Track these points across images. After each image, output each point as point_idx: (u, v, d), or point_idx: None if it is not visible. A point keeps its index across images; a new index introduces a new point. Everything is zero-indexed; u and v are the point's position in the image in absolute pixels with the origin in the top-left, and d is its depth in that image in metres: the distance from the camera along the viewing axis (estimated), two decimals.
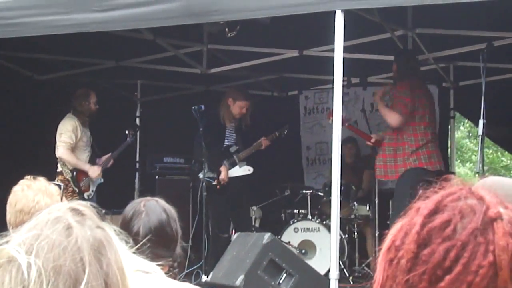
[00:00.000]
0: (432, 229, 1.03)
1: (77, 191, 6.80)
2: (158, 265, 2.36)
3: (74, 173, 6.80)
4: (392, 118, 6.19)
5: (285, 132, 7.61)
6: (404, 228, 1.08)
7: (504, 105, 6.57)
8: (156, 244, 2.34)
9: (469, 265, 0.99)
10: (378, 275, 1.08)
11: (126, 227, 2.37)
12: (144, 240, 2.00)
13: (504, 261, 0.99)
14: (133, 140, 7.68)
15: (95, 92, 7.04)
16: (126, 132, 7.53)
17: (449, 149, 8.87)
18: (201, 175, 6.74)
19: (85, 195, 6.86)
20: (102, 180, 7.06)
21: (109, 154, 7.23)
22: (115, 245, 1.17)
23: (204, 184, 6.60)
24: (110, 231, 1.19)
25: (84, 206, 1.20)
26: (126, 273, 1.16)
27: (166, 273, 2.37)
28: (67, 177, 6.75)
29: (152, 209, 2.45)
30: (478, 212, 1.03)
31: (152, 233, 2.37)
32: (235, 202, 7.12)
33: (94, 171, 6.91)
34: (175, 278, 2.24)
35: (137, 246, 1.42)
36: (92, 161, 7.03)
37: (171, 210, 2.49)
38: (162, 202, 2.50)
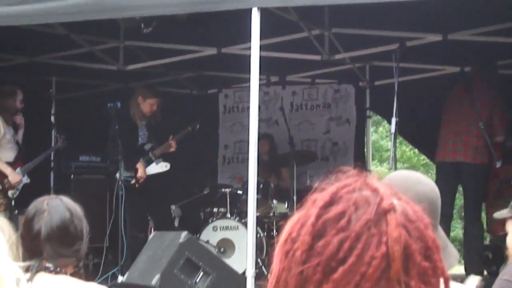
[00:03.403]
0: (327, 221, 1.03)
1: (1, 188, 6.62)
2: (62, 264, 2.30)
3: None
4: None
5: (197, 127, 7.57)
6: (300, 220, 1.07)
7: (415, 105, 6.76)
8: (58, 243, 2.28)
9: (363, 256, 1.00)
10: (275, 267, 1.07)
11: (28, 226, 2.30)
12: (45, 241, 1.94)
13: (396, 252, 1.00)
14: (63, 145, 7.60)
15: (22, 90, 6.91)
16: (57, 135, 7.45)
17: (365, 148, 9.04)
18: (117, 175, 6.63)
19: (9, 193, 6.69)
20: (28, 180, 6.88)
21: (35, 159, 7.14)
22: None
23: (120, 183, 6.50)
24: None
25: None
26: None
27: (71, 273, 2.31)
28: None
29: (55, 207, 2.38)
30: (372, 203, 1.04)
31: (54, 233, 2.30)
32: (154, 200, 7.08)
33: (15, 177, 6.72)
34: (80, 278, 2.18)
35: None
36: (21, 159, 6.91)
37: (76, 209, 2.42)
38: (66, 200, 2.43)
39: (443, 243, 1.95)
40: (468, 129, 6.51)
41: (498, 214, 2.97)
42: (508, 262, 2.90)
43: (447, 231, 6.44)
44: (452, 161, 6.51)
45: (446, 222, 6.30)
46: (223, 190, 7.66)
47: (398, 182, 1.92)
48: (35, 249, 2.25)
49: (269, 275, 1.11)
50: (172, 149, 7.32)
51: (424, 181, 2.05)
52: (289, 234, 1.08)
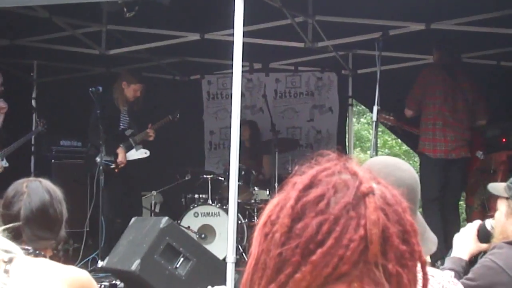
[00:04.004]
0: (306, 203, 1.04)
1: None
2: (41, 247, 2.29)
3: None
4: (406, 112, 6.60)
5: (177, 116, 7.56)
6: (280, 203, 1.08)
7: (398, 93, 6.77)
8: (38, 226, 2.27)
9: (341, 238, 1.00)
10: (253, 249, 1.08)
11: (7, 208, 2.28)
12: (25, 223, 1.93)
13: (374, 235, 1.01)
14: (43, 130, 7.57)
15: (1, 73, 6.85)
16: (37, 120, 7.51)
17: (346, 135, 9.08)
18: (98, 159, 6.61)
19: None
20: (7, 164, 6.84)
21: (15, 142, 7.13)
22: None
23: (101, 167, 6.48)
24: None
25: None
26: None
27: (50, 256, 2.30)
28: None
29: (34, 190, 2.36)
30: (351, 187, 1.05)
31: (33, 215, 2.29)
32: (129, 186, 7.10)
33: None
34: (59, 261, 2.17)
35: (10, 226, 1.36)
36: (0, 143, 6.91)
37: (56, 191, 2.41)
38: (46, 182, 2.41)
39: (421, 229, 1.97)
40: (462, 124, 6.51)
41: (492, 188, 2.99)
42: (492, 241, 2.92)
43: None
44: (446, 158, 6.48)
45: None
46: (204, 176, 7.66)
47: (378, 168, 1.93)
48: (14, 231, 2.24)
49: (248, 256, 1.11)
50: (151, 138, 7.30)
51: (403, 167, 2.06)
52: (269, 217, 1.08)
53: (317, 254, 1.00)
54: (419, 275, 1.07)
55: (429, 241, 2.02)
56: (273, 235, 1.05)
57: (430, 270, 1.13)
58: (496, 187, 2.96)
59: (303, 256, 1.01)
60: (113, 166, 6.85)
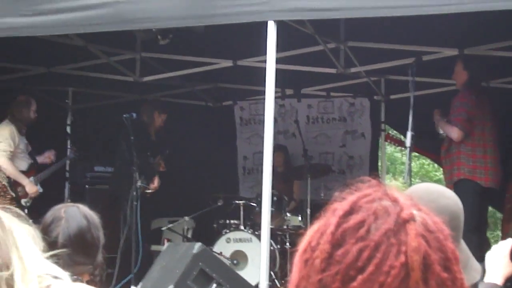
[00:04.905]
0: (347, 230, 1.04)
1: (15, 196, 6.68)
2: (79, 272, 2.32)
3: (11, 178, 6.68)
4: (454, 133, 6.15)
5: (166, 152, 7.74)
6: (320, 229, 1.08)
7: (429, 119, 6.69)
8: (75, 251, 2.29)
9: (382, 265, 1.00)
10: (293, 276, 1.08)
11: (45, 233, 2.31)
12: (62, 250, 1.95)
13: (416, 262, 1.00)
14: (75, 156, 7.71)
15: (35, 99, 6.99)
16: (69, 147, 7.71)
17: (379, 162, 9.02)
18: (139, 183, 6.72)
19: (23, 201, 6.75)
20: (41, 190, 6.95)
21: (48, 168, 7.25)
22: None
23: (135, 193, 6.56)
24: (19, 233, 1.17)
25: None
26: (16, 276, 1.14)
27: (87, 281, 2.32)
28: (3, 182, 6.64)
29: (72, 215, 2.39)
30: (392, 213, 1.04)
31: (71, 240, 2.32)
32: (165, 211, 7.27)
33: (32, 188, 6.82)
34: (96, 286, 2.19)
35: (52, 252, 1.38)
36: (34, 169, 7.01)
37: (93, 217, 2.43)
38: (83, 208, 2.44)
39: (464, 257, 1.94)
40: (498, 149, 6.30)
41: None
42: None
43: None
44: (495, 187, 6.26)
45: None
46: (236, 202, 7.67)
47: (421, 195, 1.91)
48: (52, 256, 2.26)
49: (288, 281, 1.12)
50: (162, 169, 7.48)
51: (447, 195, 2.04)
52: (309, 243, 1.08)
53: (357, 281, 1.00)
54: None
55: (472, 270, 1.99)
56: (313, 261, 1.05)
57: None
58: None
59: (343, 283, 1.01)
60: (151, 190, 6.99)
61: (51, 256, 1.89)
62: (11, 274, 1.16)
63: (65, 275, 1.28)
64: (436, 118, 6.32)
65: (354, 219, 1.04)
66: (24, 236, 1.22)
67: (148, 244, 7.31)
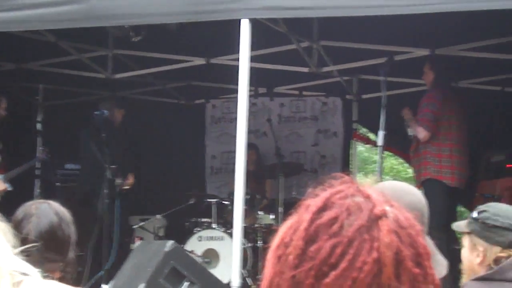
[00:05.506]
0: (320, 226, 1.04)
1: None
2: (49, 269, 2.29)
3: None
4: (420, 133, 6.22)
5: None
6: (293, 225, 1.09)
7: (400, 118, 6.74)
8: (46, 248, 2.27)
9: (354, 261, 1.01)
10: (267, 272, 1.08)
11: (16, 230, 2.28)
12: (33, 244, 1.93)
13: (388, 258, 1.01)
14: (47, 158, 7.65)
15: (5, 97, 6.91)
16: (41, 148, 7.72)
17: (350, 161, 9.07)
18: (119, 180, 6.80)
19: None
20: (11, 188, 6.87)
21: (18, 167, 7.19)
22: None
23: (116, 190, 6.58)
24: None
25: None
26: None
27: (58, 278, 2.30)
28: None
29: (43, 212, 2.38)
30: (365, 209, 1.05)
31: (42, 237, 2.30)
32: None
33: (0, 185, 6.73)
34: (68, 283, 2.17)
35: (23, 248, 1.37)
36: (3, 166, 6.94)
37: (65, 214, 2.42)
38: (55, 205, 2.43)
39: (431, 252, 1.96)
40: (465, 148, 6.37)
41: (456, 226, 3.00)
42: (462, 278, 2.90)
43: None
44: (460, 187, 6.31)
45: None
46: (208, 200, 7.66)
47: (387, 192, 1.92)
48: (23, 253, 2.24)
49: (261, 279, 1.12)
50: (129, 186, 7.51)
51: (412, 191, 2.07)
52: (282, 239, 1.09)
53: (330, 277, 1.00)
54: None
55: (439, 264, 2.02)
56: (286, 258, 1.05)
57: None
58: (459, 224, 2.95)
59: (316, 279, 1.01)
60: (127, 187, 7.00)
61: (22, 253, 1.87)
62: None
63: (35, 272, 1.27)
64: (406, 117, 6.39)
65: (327, 215, 1.05)
66: None
67: (128, 240, 7.29)
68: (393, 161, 16.88)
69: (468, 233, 2.82)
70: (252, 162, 8.20)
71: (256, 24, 4.81)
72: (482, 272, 2.71)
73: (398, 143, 6.73)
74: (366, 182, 1.17)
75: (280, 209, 7.38)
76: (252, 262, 7.24)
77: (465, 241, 2.86)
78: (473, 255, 2.79)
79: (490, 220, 2.74)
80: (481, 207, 2.84)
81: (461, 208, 7.51)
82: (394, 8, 4.53)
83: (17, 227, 2.32)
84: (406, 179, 15.97)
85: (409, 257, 1.03)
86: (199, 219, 7.60)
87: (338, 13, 4.74)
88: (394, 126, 6.11)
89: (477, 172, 6.65)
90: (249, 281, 6.98)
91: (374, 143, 6.54)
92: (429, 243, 2.00)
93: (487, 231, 2.74)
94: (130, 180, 7.36)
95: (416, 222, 1.09)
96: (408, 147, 6.58)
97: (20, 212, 2.40)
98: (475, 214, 2.81)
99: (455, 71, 6.79)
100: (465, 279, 2.84)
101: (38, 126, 8.43)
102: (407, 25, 5.64)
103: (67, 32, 5.89)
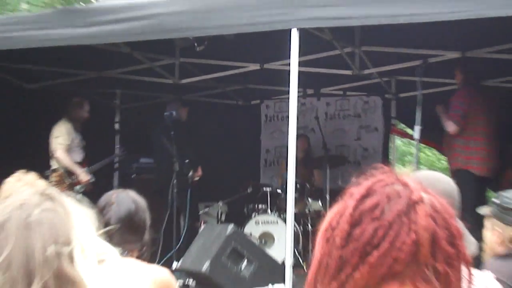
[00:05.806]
0: (363, 211, 1.05)
1: (70, 183, 6.85)
2: (128, 249, 2.35)
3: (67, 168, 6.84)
4: (450, 127, 6.16)
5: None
6: (339, 211, 1.09)
7: (435, 114, 6.62)
8: (125, 231, 2.32)
9: (395, 242, 1.01)
10: (316, 252, 1.09)
11: (99, 215, 2.34)
12: (114, 226, 1.99)
13: (425, 238, 1.01)
14: (123, 154, 7.80)
15: (88, 101, 7.08)
16: (118, 146, 7.92)
17: (390, 154, 8.96)
18: (190, 173, 6.96)
19: (76, 188, 6.89)
20: (93, 179, 7.05)
21: (100, 162, 7.37)
22: (50, 227, 1.17)
23: (176, 181, 6.65)
24: (78, 215, 1.19)
25: (55, 192, 1.20)
26: (64, 251, 1.16)
27: (136, 257, 2.35)
28: (61, 171, 6.83)
29: (122, 200, 2.42)
30: (403, 196, 1.05)
31: (122, 222, 2.35)
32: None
33: (84, 176, 6.93)
34: (144, 261, 2.22)
35: (105, 230, 1.41)
36: (86, 161, 7.14)
37: (141, 201, 2.46)
38: (132, 194, 2.47)
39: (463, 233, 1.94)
40: (493, 141, 6.24)
41: (480, 210, 2.95)
42: (485, 257, 2.85)
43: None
44: (489, 176, 6.22)
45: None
46: (264, 189, 7.68)
47: (423, 181, 1.90)
48: (106, 235, 2.30)
49: (311, 260, 1.12)
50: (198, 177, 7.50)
51: (445, 180, 2.05)
52: (330, 223, 1.09)
53: (373, 256, 1.01)
54: (465, 274, 1.06)
55: (470, 244, 2.00)
56: (334, 239, 1.06)
57: (473, 270, 1.12)
58: (483, 208, 2.91)
59: (361, 258, 1.01)
60: (197, 178, 7.06)
61: (105, 236, 1.92)
62: (71, 249, 1.18)
63: (116, 251, 1.31)
64: (439, 112, 6.30)
65: (369, 202, 1.05)
66: (82, 218, 1.25)
67: (197, 225, 7.39)
68: (428, 153, 16.59)
69: (489, 216, 2.79)
70: (303, 150, 8.17)
71: (304, 33, 4.80)
72: (501, 251, 2.68)
73: (433, 137, 6.61)
74: (404, 172, 1.16)
75: (327, 197, 7.34)
76: (303, 243, 7.23)
77: (487, 223, 2.83)
78: (493, 235, 2.76)
79: (506, 203, 2.71)
80: (502, 193, 2.80)
81: (491, 194, 7.33)
82: (432, 16, 4.43)
83: (100, 213, 2.38)
84: (440, 169, 15.71)
85: (443, 238, 1.02)
86: (255, 205, 7.64)
87: (377, 22, 4.68)
88: (428, 121, 6.01)
89: (506, 162, 6.47)
90: (300, 260, 6.98)
91: (411, 137, 6.46)
92: (461, 225, 1.97)
93: (503, 213, 2.71)
94: (199, 172, 7.38)
95: (449, 207, 1.08)
96: (442, 140, 6.48)
97: (102, 200, 2.46)
98: (495, 199, 2.78)
99: (483, 72, 6.64)
100: (487, 257, 2.80)
101: (116, 126, 8.62)
102: (439, 30, 5.54)
103: (140, 44, 5.99)
